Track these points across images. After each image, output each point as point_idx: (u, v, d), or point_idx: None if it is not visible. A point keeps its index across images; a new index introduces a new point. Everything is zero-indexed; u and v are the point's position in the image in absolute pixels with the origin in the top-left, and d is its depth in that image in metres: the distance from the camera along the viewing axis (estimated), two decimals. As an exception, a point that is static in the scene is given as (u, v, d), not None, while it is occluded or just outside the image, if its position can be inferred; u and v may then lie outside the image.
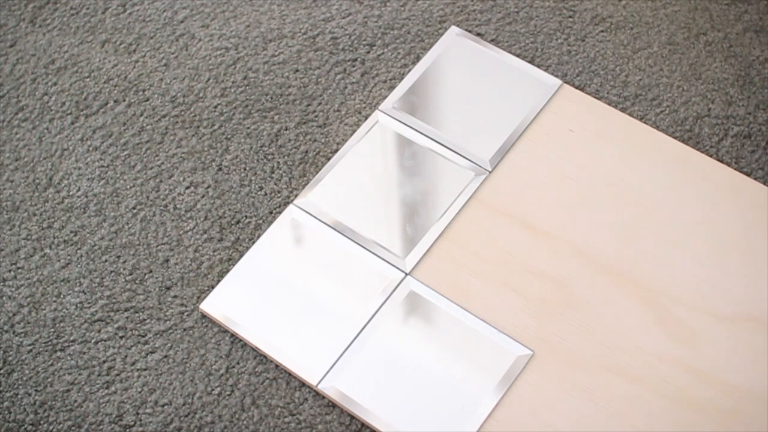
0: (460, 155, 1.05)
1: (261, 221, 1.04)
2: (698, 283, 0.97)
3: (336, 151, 1.07)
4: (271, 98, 1.11)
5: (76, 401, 0.95)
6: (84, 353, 0.97)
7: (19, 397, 0.95)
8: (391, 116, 1.08)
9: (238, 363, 0.96)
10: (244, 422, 0.93)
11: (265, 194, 1.05)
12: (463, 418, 0.91)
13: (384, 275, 0.99)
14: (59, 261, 1.02)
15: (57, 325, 0.99)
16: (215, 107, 1.11)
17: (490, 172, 1.04)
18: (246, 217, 1.04)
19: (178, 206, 1.05)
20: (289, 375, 0.95)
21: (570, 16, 1.16)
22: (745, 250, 0.98)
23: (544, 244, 1.00)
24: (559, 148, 1.05)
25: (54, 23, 1.18)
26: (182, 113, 1.11)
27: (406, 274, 0.99)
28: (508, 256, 0.99)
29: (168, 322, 0.98)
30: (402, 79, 1.11)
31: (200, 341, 0.97)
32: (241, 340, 0.97)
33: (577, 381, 0.92)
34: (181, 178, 1.07)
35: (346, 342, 0.95)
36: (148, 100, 1.12)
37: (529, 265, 0.99)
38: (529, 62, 1.12)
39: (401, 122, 1.08)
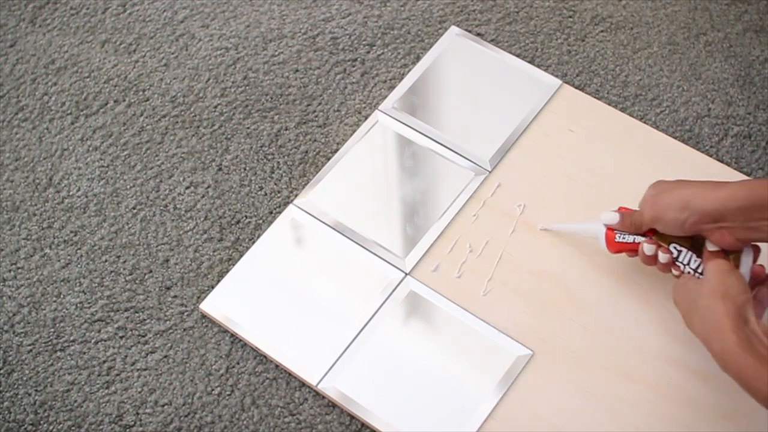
0: (460, 155, 1.05)
1: (261, 221, 1.04)
2: (698, 283, 0.97)
3: (336, 151, 1.07)
4: (271, 98, 1.12)
5: (76, 401, 0.95)
6: (84, 353, 0.97)
7: (19, 397, 0.95)
8: (391, 116, 1.08)
9: (238, 363, 0.96)
10: (244, 422, 0.93)
11: (265, 194, 1.05)
12: (463, 418, 0.91)
13: (384, 275, 0.99)
14: (59, 261, 1.02)
15: (57, 325, 0.99)
16: (215, 107, 1.11)
17: (490, 172, 1.04)
18: (246, 217, 1.04)
19: (178, 206, 1.05)
20: (289, 375, 0.95)
21: (570, 16, 1.16)
22: (745, 250, 0.98)
23: (544, 244, 1.00)
24: (559, 147, 1.05)
25: (54, 23, 1.18)
26: (182, 113, 1.11)
27: (406, 274, 0.99)
28: (508, 256, 0.99)
29: (168, 322, 0.98)
30: (402, 79, 1.11)
31: (200, 341, 0.97)
32: (241, 340, 0.97)
33: (577, 381, 0.92)
34: (181, 178, 1.07)
35: (346, 342, 0.95)
36: (148, 100, 1.12)
37: (529, 265, 0.99)
38: (529, 62, 1.12)
39: (401, 122, 1.08)
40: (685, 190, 0.86)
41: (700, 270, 0.88)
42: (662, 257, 0.89)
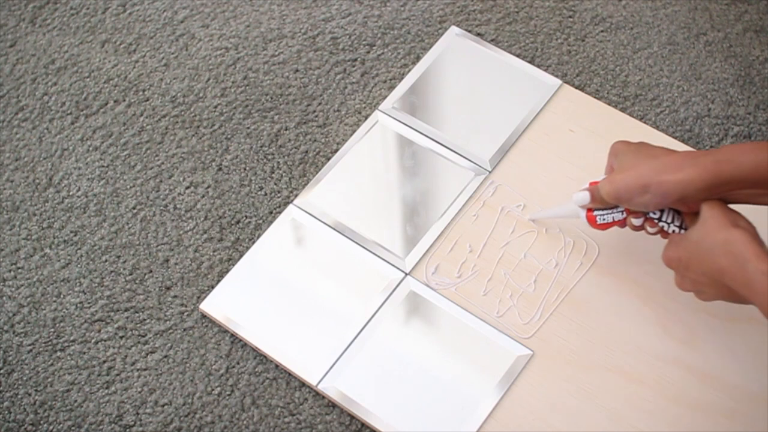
0: (460, 155, 1.05)
1: (261, 221, 1.04)
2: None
3: (336, 151, 1.07)
4: (271, 98, 1.12)
5: (76, 401, 0.95)
6: (84, 353, 0.97)
7: (19, 397, 0.95)
8: (391, 116, 1.08)
9: (238, 363, 0.96)
10: (244, 422, 0.93)
11: (265, 194, 1.05)
12: (463, 418, 0.91)
13: (384, 275, 0.99)
14: (59, 261, 1.02)
15: (57, 325, 0.99)
16: (215, 107, 1.11)
17: (490, 172, 1.04)
18: (246, 217, 1.04)
19: (178, 206, 1.05)
20: (289, 375, 0.95)
21: (570, 16, 1.16)
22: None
23: (544, 243, 1.00)
24: (559, 147, 1.05)
25: (54, 23, 1.18)
26: (182, 113, 1.11)
27: (406, 274, 0.99)
28: (509, 256, 0.99)
29: (168, 322, 0.98)
30: (402, 79, 1.12)
31: (200, 341, 0.97)
32: (241, 340, 0.97)
33: (577, 381, 0.92)
34: (181, 178, 1.07)
35: (346, 342, 0.95)
36: (148, 100, 1.12)
37: (529, 265, 0.99)
38: (529, 62, 1.12)
39: (401, 122, 1.08)
40: (641, 169, 0.86)
41: (684, 226, 0.88)
42: (650, 230, 0.90)
